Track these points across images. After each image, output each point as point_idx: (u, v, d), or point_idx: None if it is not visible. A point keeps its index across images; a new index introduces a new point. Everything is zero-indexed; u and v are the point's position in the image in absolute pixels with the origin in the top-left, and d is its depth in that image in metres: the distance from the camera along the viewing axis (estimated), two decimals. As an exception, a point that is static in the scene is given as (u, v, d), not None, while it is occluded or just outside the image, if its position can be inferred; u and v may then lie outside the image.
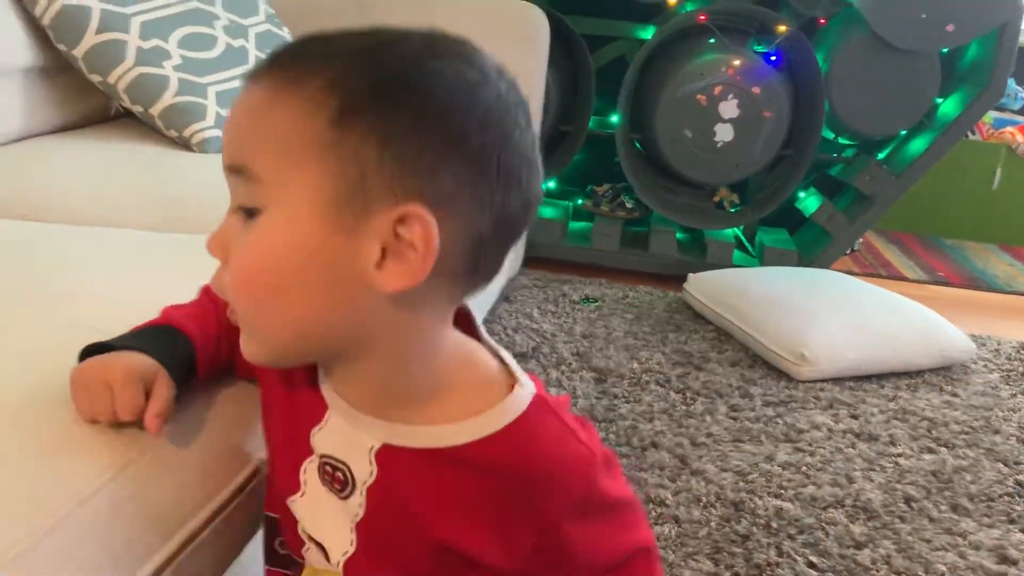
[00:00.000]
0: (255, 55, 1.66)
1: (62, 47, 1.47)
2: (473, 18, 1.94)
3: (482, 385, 0.56)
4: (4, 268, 0.89)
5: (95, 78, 1.49)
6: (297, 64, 0.50)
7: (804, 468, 1.47)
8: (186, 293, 0.75)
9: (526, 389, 0.56)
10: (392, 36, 0.52)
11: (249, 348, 0.55)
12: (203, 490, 0.65)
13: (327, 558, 0.60)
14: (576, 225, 2.50)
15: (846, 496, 1.40)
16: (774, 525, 1.31)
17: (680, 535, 1.27)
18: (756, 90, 2.21)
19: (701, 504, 1.35)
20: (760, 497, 1.37)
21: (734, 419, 1.62)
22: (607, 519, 0.58)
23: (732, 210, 2.43)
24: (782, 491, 1.40)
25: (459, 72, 0.50)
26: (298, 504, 0.61)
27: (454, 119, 0.49)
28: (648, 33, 2.36)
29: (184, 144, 1.48)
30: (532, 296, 2.11)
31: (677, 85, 2.21)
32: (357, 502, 0.57)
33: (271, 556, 0.67)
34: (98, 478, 0.58)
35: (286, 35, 1.77)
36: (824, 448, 1.54)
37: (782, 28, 2.21)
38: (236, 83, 1.58)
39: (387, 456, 0.56)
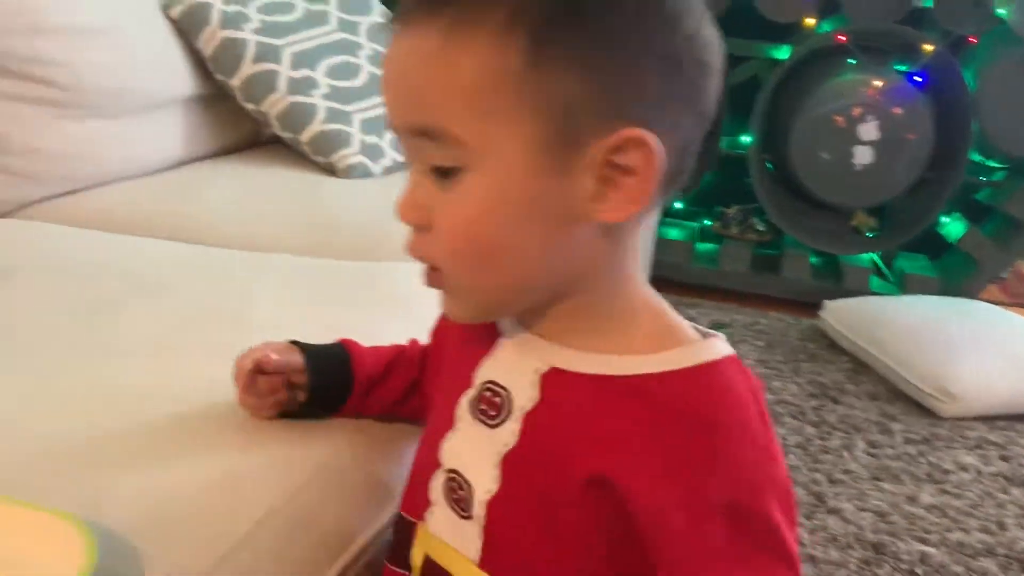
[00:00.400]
0: (396, 82, 1.72)
1: (221, 77, 1.56)
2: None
3: (671, 324, 0.52)
4: (181, 291, 0.95)
5: (250, 106, 1.58)
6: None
7: (950, 512, 1.40)
8: (351, 320, 0.79)
9: (721, 342, 0.51)
10: None
11: (456, 309, 0.53)
12: (366, 512, 0.68)
13: (464, 508, 0.54)
14: (703, 247, 2.45)
15: (997, 544, 1.32)
16: (919, 572, 1.25)
17: (817, 576, 1.23)
18: (898, 111, 2.12)
19: (839, 544, 1.30)
20: (903, 540, 1.31)
21: (873, 456, 1.56)
22: (750, 545, 0.47)
23: (870, 235, 2.34)
24: (927, 535, 1.33)
25: None
26: (448, 444, 0.56)
27: (648, 25, 0.46)
28: (783, 53, 2.31)
29: (330, 170, 1.55)
30: (659, 320, 2.09)
31: (814, 106, 2.15)
32: (509, 429, 0.52)
33: (395, 555, 0.62)
34: (274, 500, 0.62)
35: (425, 62, 1.82)
36: (972, 491, 1.46)
37: (928, 48, 2.12)
38: (379, 111, 1.64)
39: (554, 380, 0.52)
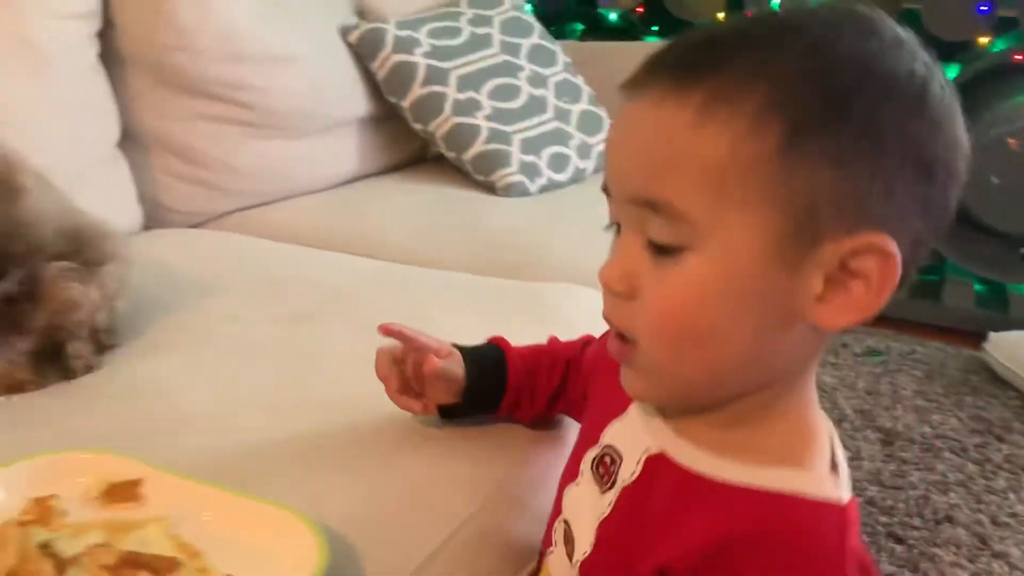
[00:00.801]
0: (553, 103, 1.76)
1: (392, 99, 1.65)
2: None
3: (804, 440, 0.49)
4: (368, 304, 1.02)
5: (418, 127, 1.66)
6: (720, 73, 0.44)
7: None
8: (528, 339, 0.83)
9: (837, 486, 0.48)
10: (814, 23, 0.45)
11: (640, 387, 0.51)
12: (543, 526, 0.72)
13: (570, 557, 0.57)
14: (857, 270, 2.38)
15: None
16: (1095, 627, 1.18)
17: (981, 622, 1.19)
18: (1079, 133, 2.00)
19: (1005, 591, 1.24)
20: (1077, 593, 1.24)
21: (1043, 499, 1.48)
22: None
23: (1041, 263, 2.21)
24: (1104, 588, 1.26)
25: (907, 67, 0.44)
26: (571, 494, 0.59)
27: (911, 129, 0.44)
28: (952, 72, 2.21)
29: (490, 188, 1.61)
30: (809, 344, 2.05)
31: (985, 127, 2.05)
32: (609, 499, 0.54)
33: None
34: (465, 511, 0.66)
35: (580, 83, 1.86)
36: None
37: (1116, 65, 1.99)
38: (538, 130, 1.69)
39: (656, 464, 0.52)
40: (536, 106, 1.73)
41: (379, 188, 1.62)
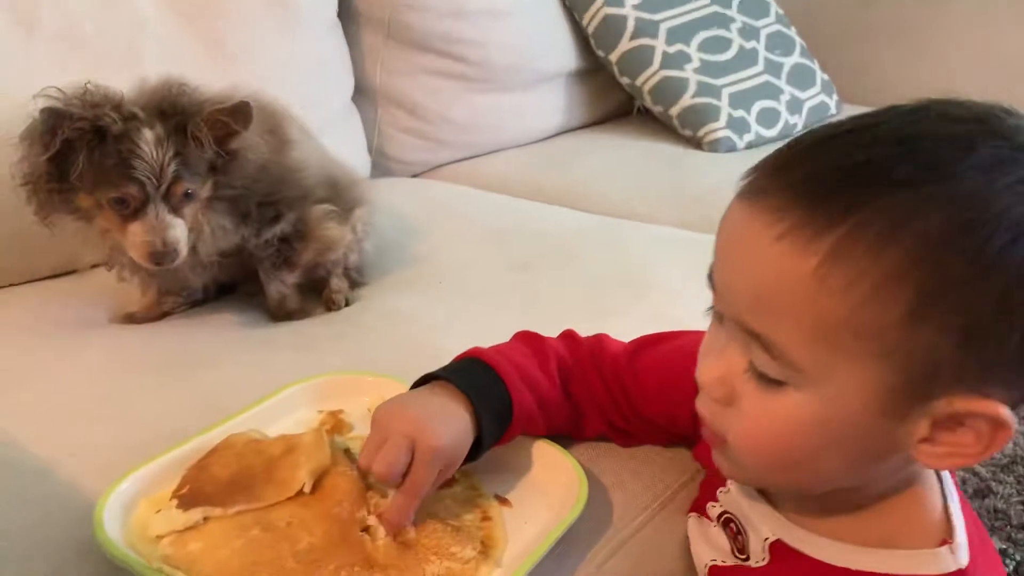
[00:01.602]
0: (764, 56, 1.72)
1: (600, 52, 1.66)
2: (992, 9, 1.80)
3: (911, 523, 0.49)
4: (585, 256, 1.06)
5: (624, 80, 1.67)
6: (854, 219, 0.40)
7: None
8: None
9: (954, 556, 0.47)
10: (970, 165, 0.40)
11: (728, 469, 0.51)
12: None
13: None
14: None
15: None
16: None
17: None
18: None
19: None
20: None
21: None
22: None
23: None
24: None
25: None
26: (700, 529, 0.60)
27: None
28: None
29: (695, 143, 1.60)
30: None
31: None
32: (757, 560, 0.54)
33: None
34: (652, 504, 0.66)
35: (794, 35, 1.80)
36: None
37: None
38: (747, 84, 1.65)
39: (781, 552, 0.52)
40: (747, 58, 1.69)
41: (585, 142, 1.65)
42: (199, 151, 0.77)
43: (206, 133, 0.77)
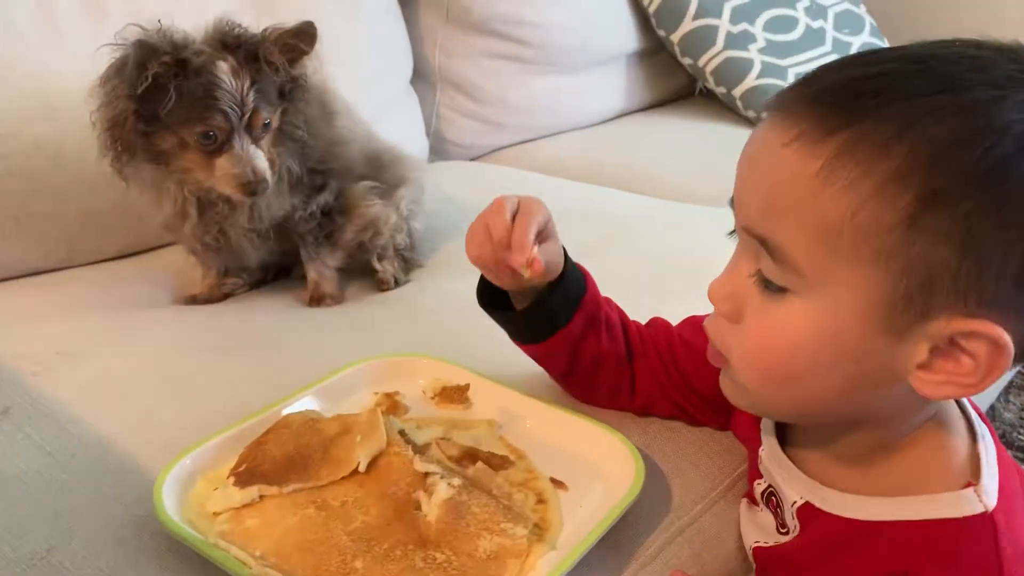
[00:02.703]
0: (832, 36, 1.66)
1: (661, 32, 1.63)
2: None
3: (931, 467, 0.48)
4: (651, 239, 1.04)
5: (686, 61, 1.63)
6: (859, 125, 0.40)
7: None
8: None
9: (980, 498, 0.45)
10: (979, 83, 0.40)
11: (731, 393, 0.52)
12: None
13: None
14: None
15: None
16: None
17: None
18: None
19: None
20: None
21: None
22: None
23: None
24: None
25: None
26: (749, 516, 0.60)
27: None
28: None
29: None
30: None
31: None
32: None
33: None
34: (712, 493, 0.65)
35: (863, 13, 1.74)
36: None
37: None
38: (814, 64, 1.60)
39: (808, 515, 0.52)
40: (814, 38, 1.64)
41: (646, 124, 1.62)
42: (271, 78, 0.78)
43: (278, 55, 0.78)
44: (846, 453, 0.50)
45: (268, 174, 0.79)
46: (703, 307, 0.78)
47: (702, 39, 1.60)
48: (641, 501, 0.58)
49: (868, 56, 0.44)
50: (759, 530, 0.57)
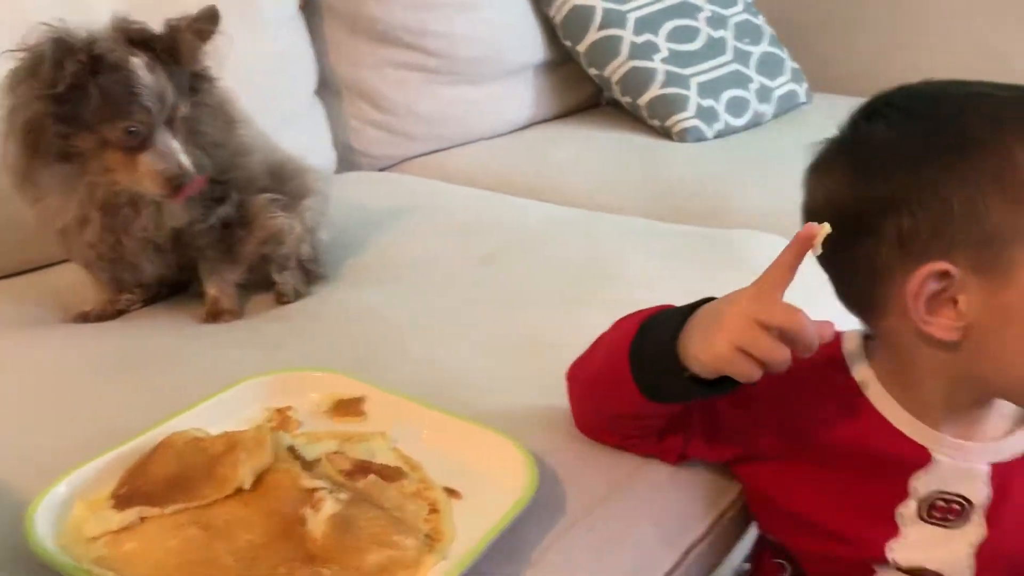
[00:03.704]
0: (733, 45, 1.71)
1: (568, 43, 1.65)
2: None
3: None
4: (555, 247, 1.05)
5: (592, 71, 1.66)
6: None
7: None
8: (718, 285, 0.82)
9: None
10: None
11: None
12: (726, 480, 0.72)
13: None
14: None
15: None
16: None
17: None
18: None
19: None
20: None
21: None
22: None
23: None
24: None
25: None
26: (901, 548, 0.63)
27: None
28: None
29: (665, 133, 1.59)
30: None
31: None
32: (974, 530, 0.62)
33: None
34: (609, 493, 0.65)
35: (762, 23, 1.79)
36: None
37: None
38: (716, 73, 1.64)
39: (999, 474, 0.61)
40: (715, 48, 1.68)
41: (554, 134, 1.64)
42: (181, 71, 0.78)
43: (195, 41, 0.78)
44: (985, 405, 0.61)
45: (191, 166, 0.78)
46: (603, 315, 0.80)
47: (607, 50, 1.62)
48: (537, 506, 0.59)
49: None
50: (944, 548, 0.62)
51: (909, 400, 0.62)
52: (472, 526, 0.55)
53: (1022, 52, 1.69)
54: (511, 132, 1.64)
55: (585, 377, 0.65)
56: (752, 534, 0.74)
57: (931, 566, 0.63)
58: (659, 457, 0.67)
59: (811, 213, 0.61)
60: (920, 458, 0.62)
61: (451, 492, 0.58)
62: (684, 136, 1.57)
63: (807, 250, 0.53)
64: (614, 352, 0.59)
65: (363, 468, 0.58)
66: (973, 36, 1.83)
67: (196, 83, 0.82)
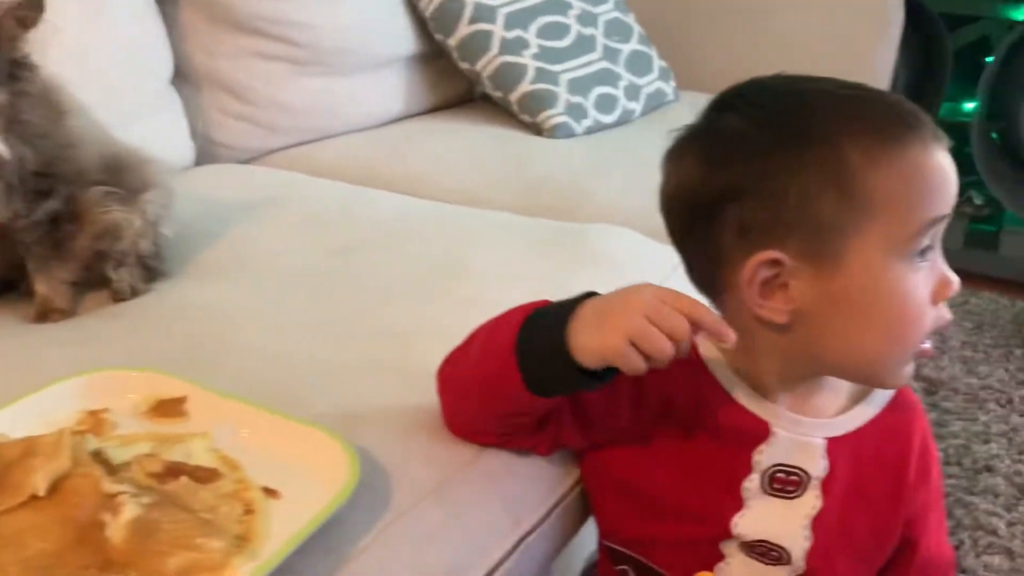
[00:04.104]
0: (602, 43, 1.74)
1: (439, 36, 1.65)
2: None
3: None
4: (414, 241, 1.05)
5: (464, 65, 1.65)
6: None
7: None
8: (567, 277, 0.83)
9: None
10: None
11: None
12: (564, 469, 0.73)
13: (784, 558, 0.67)
14: (912, 218, 2.33)
15: None
16: None
17: (1013, 570, 1.19)
18: None
19: (1041, 540, 1.24)
20: (1115, 545, 1.23)
21: (1088, 453, 1.46)
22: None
23: (1106, 214, 2.13)
24: None
25: None
26: (744, 521, 0.66)
27: None
28: (1020, 13, 2.12)
29: (535, 129, 1.60)
30: (856, 292, 2.02)
31: (1050, 74, 1.97)
32: (810, 500, 0.66)
33: None
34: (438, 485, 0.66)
35: (632, 22, 1.83)
36: None
37: None
38: (585, 70, 1.67)
39: (834, 448, 0.66)
40: (585, 45, 1.71)
41: (425, 128, 1.63)
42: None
43: (16, 27, 0.75)
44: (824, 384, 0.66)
45: (7, 152, 0.75)
46: (454, 308, 0.80)
47: (478, 44, 1.63)
48: (362, 502, 0.59)
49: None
50: (783, 520, 0.66)
51: (749, 376, 0.66)
52: (289, 525, 0.54)
53: (876, 50, 1.77)
54: (381, 125, 1.62)
55: (462, 377, 0.64)
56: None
57: (771, 538, 0.66)
58: (533, 450, 0.69)
59: (666, 197, 0.65)
60: (761, 432, 0.65)
61: (270, 492, 0.57)
62: (554, 132, 1.58)
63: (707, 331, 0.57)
64: (496, 350, 0.59)
65: (175, 470, 0.56)
66: (832, 35, 1.91)
67: (16, 71, 0.78)
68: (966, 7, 2.22)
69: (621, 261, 1.02)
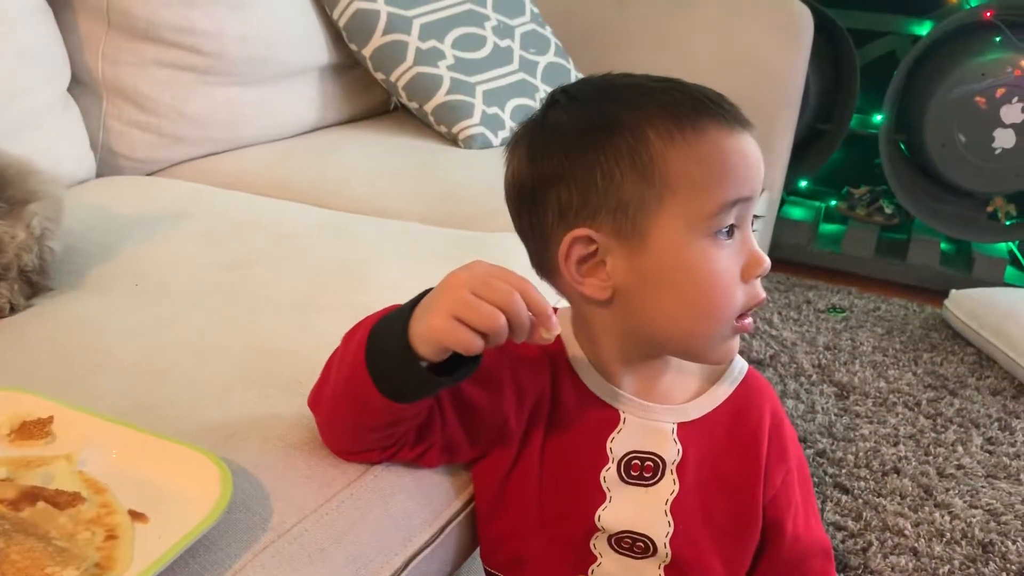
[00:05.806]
0: (519, 55, 1.74)
1: (353, 47, 1.63)
2: (732, 12, 1.92)
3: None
4: (314, 252, 1.03)
5: (379, 76, 1.64)
6: None
7: (1071, 517, 1.34)
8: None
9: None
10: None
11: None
12: (456, 486, 0.72)
13: (646, 554, 0.67)
14: (827, 228, 2.39)
15: (1120, 555, 1.26)
16: (1029, 575, 1.21)
17: (918, 569, 1.21)
18: (1048, 92, 2.00)
19: (944, 540, 1.27)
20: (1014, 542, 1.27)
21: (990, 453, 1.50)
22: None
23: (1008, 223, 2.22)
24: (1042, 539, 1.29)
25: None
26: (608, 512, 0.67)
27: None
28: (923, 29, 2.20)
29: (452, 140, 1.60)
30: (773, 301, 2.06)
31: (953, 85, 2.05)
32: (667, 485, 0.67)
33: None
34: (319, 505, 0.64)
35: (549, 35, 1.84)
36: (1097, 498, 1.39)
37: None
38: (502, 82, 1.67)
39: (683, 433, 0.68)
40: (502, 57, 1.71)
41: (339, 138, 1.61)
42: None
43: None
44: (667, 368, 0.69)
45: None
46: (348, 318, 0.78)
47: (393, 55, 1.61)
48: (237, 524, 0.57)
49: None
50: (643, 508, 0.67)
51: (598, 362, 0.68)
52: (155, 550, 0.52)
53: (780, 61, 1.81)
54: (295, 136, 1.59)
55: (327, 399, 0.62)
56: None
57: (634, 527, 0.67)
58: (420, 462, 0.67)
59: (506, 185, 0.68)
60: (612, 419, 0.67)
61: (137, 515, 0.55)
62: (470, 143, 1.58)
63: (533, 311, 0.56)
64: (349, 364, 0.58)
65: (32, 495, 0.53)
66: (745, 49, 1.95)
67: None
68: (874, 23, 2.29)
69: (525, 268, 1.01)
